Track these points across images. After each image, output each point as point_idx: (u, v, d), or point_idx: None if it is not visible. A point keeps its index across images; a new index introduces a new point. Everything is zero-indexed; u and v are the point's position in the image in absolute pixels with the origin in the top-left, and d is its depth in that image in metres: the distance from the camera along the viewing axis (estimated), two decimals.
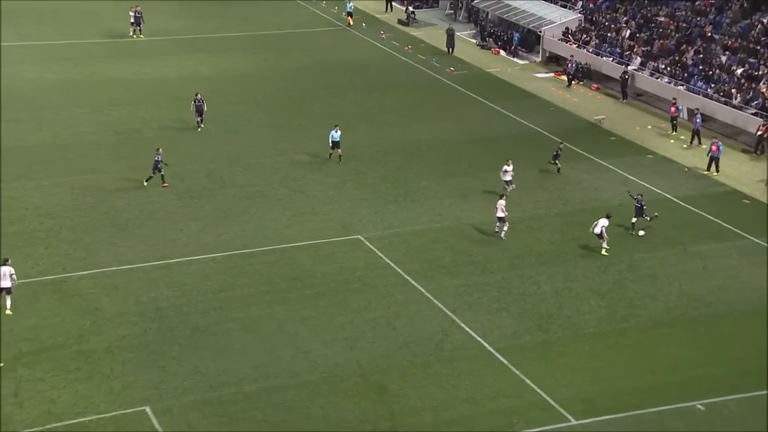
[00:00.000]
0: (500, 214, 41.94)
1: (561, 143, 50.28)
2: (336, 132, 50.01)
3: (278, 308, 36.50)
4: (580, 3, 72.78)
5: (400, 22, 79.39)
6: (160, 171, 46.15)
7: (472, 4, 79.07)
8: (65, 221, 43.04)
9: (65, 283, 37.59)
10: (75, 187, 46.57)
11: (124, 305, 36.25)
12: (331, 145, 49.99)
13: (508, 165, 46.27)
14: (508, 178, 46.28)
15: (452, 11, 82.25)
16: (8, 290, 35.08)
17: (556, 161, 49.42)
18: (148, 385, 31.32)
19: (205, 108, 54.04)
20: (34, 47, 68.70)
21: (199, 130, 53.59)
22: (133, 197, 45.56)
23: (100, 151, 51.41)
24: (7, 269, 35.07)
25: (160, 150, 46.24)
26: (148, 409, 29.97)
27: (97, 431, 28.87)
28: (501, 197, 42.41)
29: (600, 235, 41.08)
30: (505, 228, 42.18)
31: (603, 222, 41.05)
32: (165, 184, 46.32)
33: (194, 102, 53.98)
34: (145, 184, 46.11)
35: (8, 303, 35.07)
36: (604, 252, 41.16)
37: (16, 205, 44.37)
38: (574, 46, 67.71)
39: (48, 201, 44.98)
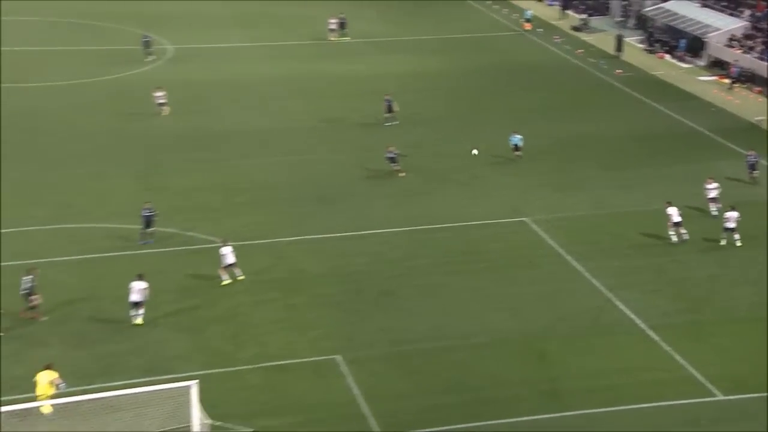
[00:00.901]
0: (676, 219, 38.90)
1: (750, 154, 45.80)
2: (515, 136, 48.85)
3: (454, 278, 36.49)
4: (748, 12, 68.46)
5: (573, 28, 77.26)
6: (394, 162, 46.08)
7: (642, 12, 75.91)
8: (281, 194, 44.55)
9: (277, 246, 38.94)
10: (290, 165, 48.14)
11: (324, 268, 37.17)
12: (512, 147, 48.84)
13: (710, 183, 41.61)
14: (713, 195, 41.40)
15: (623, 18, 79.26)
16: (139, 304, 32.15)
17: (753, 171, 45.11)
18: (341, 337, 32.04)
19: (395, 106, 53.92)
20: (263, 47, 71.15)
21: (387, 125, 53.64)
22: (336, 176, 46.63)
23: (311, 135, 52.88)
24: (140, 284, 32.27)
25: (392, 147, 46.28)
26: (339, 358, 30.68)
27: (298, 372, 29.82)
28: (669, 204, 39.44)
29: (733, 229, 38.40)
30: (682, 231, 39.14)
31: (733, 215, 38.38)
32: (401, 173, 46.01)
33: (385, 101, 54.13)
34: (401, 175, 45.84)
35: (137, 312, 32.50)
36: (738, 243, 38.56)
37: (244, 179, 46.31)
38: (739, 51, 63.79)
39: (268, 176, 46.68)
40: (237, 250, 37.18)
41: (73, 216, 40.40)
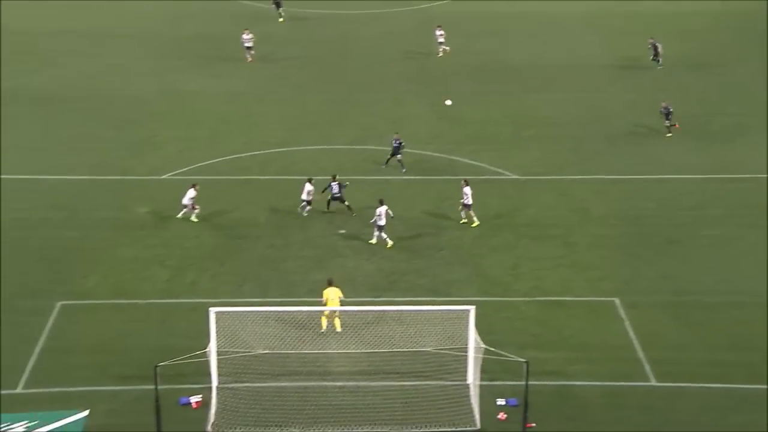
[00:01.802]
0: None
1: None
2: None
3: (749, 232, 33.84)
4: None
5: None
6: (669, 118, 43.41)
7: None
8: (569, 131, 43.59)
9: (562, 184, 38.32)
10: (580, 102, 46.90)
11: (608, 209, 36.04)
12: None
13: None
14: None
15: None
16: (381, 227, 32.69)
17: None
18: (620, 280, 31.05)
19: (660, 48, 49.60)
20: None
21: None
22: (628, 116, 44.75)
23: (605, 73, 51.01)
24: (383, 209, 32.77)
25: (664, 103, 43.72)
26: (617, 301, 29.81)
27: (573, 310, 29.46)
28: None
29: None
30: None
31: None
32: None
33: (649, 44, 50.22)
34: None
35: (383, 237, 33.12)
36: None
37: (533, 113, 45.86)
38: None
39: (556, 112, 45.85)
40: (522, 185, 37.17)
41: (372, 138, 42.34)
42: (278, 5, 59.89)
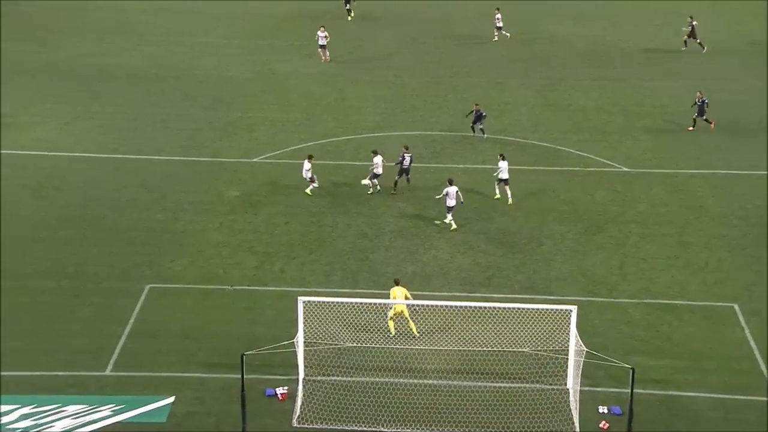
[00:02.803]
0: None
1: None
2: None
3: None
4: None
5: None
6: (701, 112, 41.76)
7: None
8: (686, 121, 42.08)
9: (677, 178, 37.04)
10: (698, 91, 45.24)
11: (728, 207, 34.65)
12: None
13: None
14: None
15: None
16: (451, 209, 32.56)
17: None
18: (740, 284, 29.76)
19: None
20: None
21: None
22: (754, 107, 43.06)
23: (732, 59, 49.23)
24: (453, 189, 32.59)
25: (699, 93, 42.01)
26: (736, 307, 28.55)
27: (686, 315, 28.38)
28: None
29: None
30: None
31: None
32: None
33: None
34: None
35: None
36: None
37: (646, 102, 44.60)
38: None
39: (673, 101, 44.42)
40: (633, 177, 36.12)
41: (467, 125, 41.77)
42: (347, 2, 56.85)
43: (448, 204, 32.79)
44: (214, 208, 34.92)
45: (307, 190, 35.47)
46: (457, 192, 32.64)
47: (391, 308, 26.69)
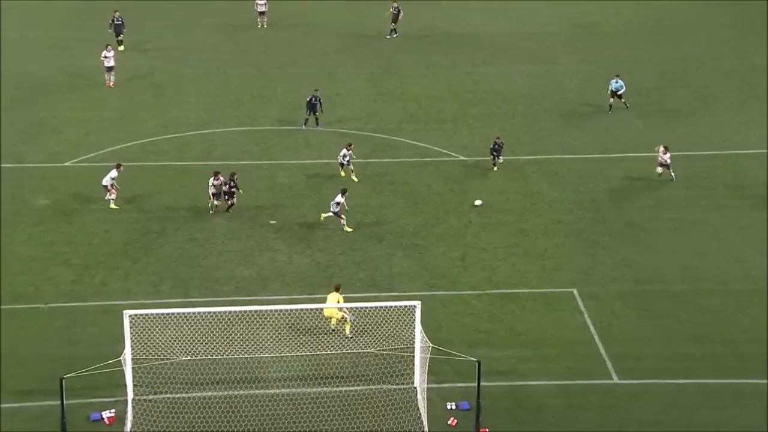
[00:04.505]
0: None
1: None
2: None
3: (715, 214, 34.75)
4: None
5: None
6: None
7: None
8: (518, 107, 44.15)
9: (512, 165, 38.71)
10: (531, 75, 47.48)
11: (563, 192, 36.59)
12: None
13: None
14: None
15: None
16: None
17: None
18: (578, 269, 31.59)
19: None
20: None
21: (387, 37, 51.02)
22: (584, 90, 45.46)
23: (556, 42, 51.72)
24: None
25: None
26: (575, 291, 30.31)
27: (527, 303, 29.89)
28: None
29: None
30: None
31: None
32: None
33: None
34: None
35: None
36: None
37: (479, 88, 46.30)
38: None
39: (507, 86, 46.37)
40: (470, 168, 37.46)
41: (299, 119, 42.12)
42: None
43: (331, 210, 33.33)
44: (20, 218, 33.67)
45: (112, 205, 34.23)
46: (341, 201, 33.12)
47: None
